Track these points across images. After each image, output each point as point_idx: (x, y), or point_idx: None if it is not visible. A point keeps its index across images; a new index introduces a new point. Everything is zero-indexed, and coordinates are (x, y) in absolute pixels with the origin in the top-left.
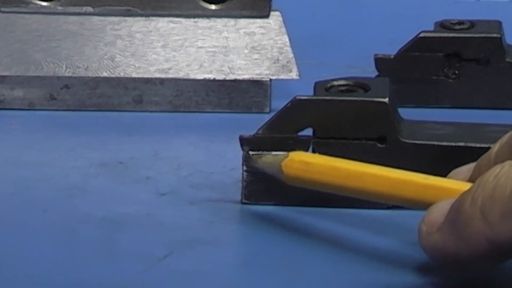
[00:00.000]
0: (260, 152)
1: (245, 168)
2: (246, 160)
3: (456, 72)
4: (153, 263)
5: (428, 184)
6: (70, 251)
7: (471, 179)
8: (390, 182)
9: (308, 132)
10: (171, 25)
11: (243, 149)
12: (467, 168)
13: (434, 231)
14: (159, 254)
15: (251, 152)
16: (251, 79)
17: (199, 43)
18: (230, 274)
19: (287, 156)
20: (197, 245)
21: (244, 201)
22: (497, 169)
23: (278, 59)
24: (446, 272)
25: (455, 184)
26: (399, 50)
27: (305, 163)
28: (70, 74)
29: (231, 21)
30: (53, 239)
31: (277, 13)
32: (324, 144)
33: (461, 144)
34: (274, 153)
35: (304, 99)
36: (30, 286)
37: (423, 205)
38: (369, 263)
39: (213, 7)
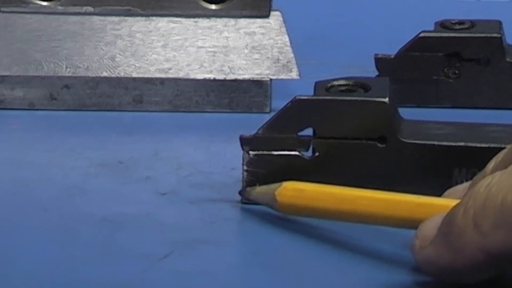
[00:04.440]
0: (253, 187)
1: (245, 168)
2: (241, 193)
3: (456, 72)
4: (153, 263)
5: (421, 202)
6: (70, 251)
7: None
8: (383, 203)
9: (308, 132)
10: (171, 25)
11: (243, 149)
12: (462, 187)
13: (427, 245)
14: (159, 254)
15: (247, 188)
16: (251, 79)
17: (199, 43)
18: (230, 274)
19: (280, 185)
20: (197, 245)
21: (244, 201)
22: (488, 179)
23: (278, 59)
24: None
25: (448, 202)
26: (399, 50)
27: (299, 190)
28: (70, 74)
29: (231, 21)
30: (53, 239)
31: (277, 13)
32: (324, 144)
33: (461, 144)
34: (265, 186)
35: (304, 99)
36: (30, 286)
37: (417, 224)
38: (369, 263)
39: (213, 7)
